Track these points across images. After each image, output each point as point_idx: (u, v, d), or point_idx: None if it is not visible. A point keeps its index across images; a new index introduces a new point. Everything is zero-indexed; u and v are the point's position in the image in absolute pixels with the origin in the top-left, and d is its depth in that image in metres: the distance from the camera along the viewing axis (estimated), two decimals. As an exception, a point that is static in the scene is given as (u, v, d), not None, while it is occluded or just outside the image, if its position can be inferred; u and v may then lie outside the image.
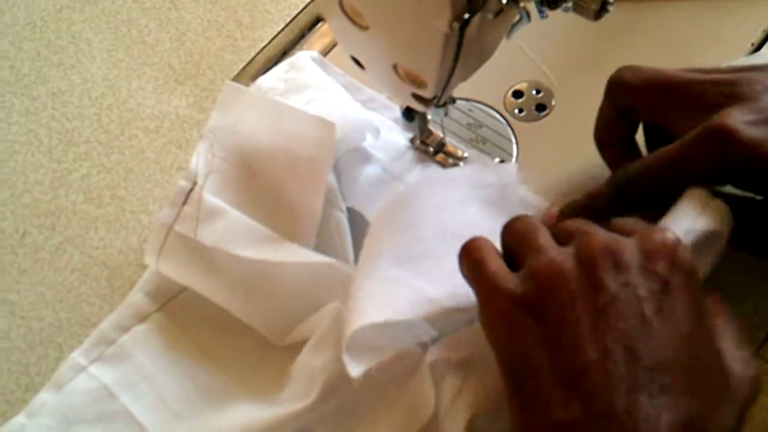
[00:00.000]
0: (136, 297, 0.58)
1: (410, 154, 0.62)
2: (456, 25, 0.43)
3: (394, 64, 0.51)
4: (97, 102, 0.69)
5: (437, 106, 0.54)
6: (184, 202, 0.57)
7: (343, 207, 0.58)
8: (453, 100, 0.55)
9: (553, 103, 0.65)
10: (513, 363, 0.43)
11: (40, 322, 0.60)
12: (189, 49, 0.71)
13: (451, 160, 0.61)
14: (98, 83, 0.70)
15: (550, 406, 0.41)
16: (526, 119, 0.65)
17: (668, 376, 0.40)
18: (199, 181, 0.57)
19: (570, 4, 0.50)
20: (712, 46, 0.65)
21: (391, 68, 0.51)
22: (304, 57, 0.65)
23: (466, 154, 0.61)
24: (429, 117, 0.60)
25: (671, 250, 0.43)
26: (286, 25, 0.71)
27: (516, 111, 0.65)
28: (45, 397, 0.55)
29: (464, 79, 0.52)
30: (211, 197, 0.56)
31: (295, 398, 0.51)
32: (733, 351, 0.44)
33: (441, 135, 0.61)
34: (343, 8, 0.49)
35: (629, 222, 0.47)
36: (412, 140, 0.62)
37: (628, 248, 0.43)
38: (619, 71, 0.55)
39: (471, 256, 0.45)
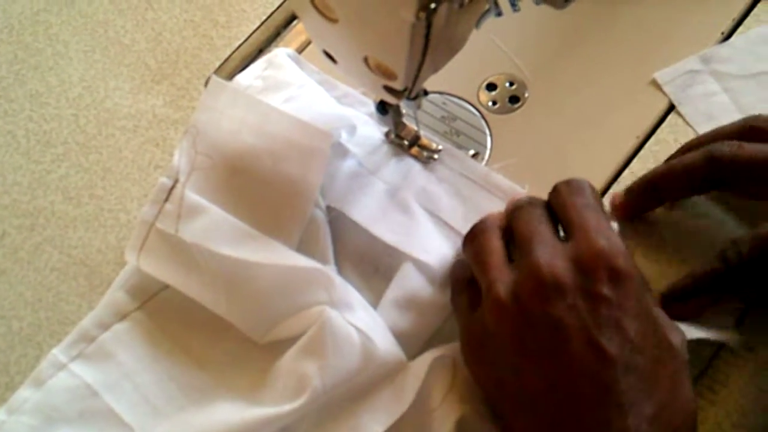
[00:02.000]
0: (117, 295, 0.58)
1: (385, 148, 0.62)
2: (422, 15, 0.43)
3: (365, 56, 0.51)
4: (74, 103, 0.69)
5: (409, 98, 0.54)
6: (166, 199, 0.57)
7: (323, 205, 0.59)
8: (425, 92, 0.55)
9: (527, 95, 0.66)
10: (485, 388, 0.49)
11: (20, 321, 0.60)
12: (165, 48, 0.72)
13: (425, 153, 0.61)
14: (75, 84, 0.70)
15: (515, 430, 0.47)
16: (500, 111, 0.65)
17: (623, 385, 0.43)
18: (181, 179, 0.57)
19: (538, -6, 0.50)
20: (683, 36, 0.66)
21: (361, 61, 0.51)
22: (281, 54, 0.66)
23: (440, 147, 0.61)
24: (403, 111, 0.61)
25: (606, 262, 0.45)
26: (262, 23, 0.72)
27: (490, 103, 0.66)
28: (25, 394, 0.55)
29: (435, 70, 0.53)
30: (192, 194, 0.57)
31: (280, 399, 0.51)
32: (667, 323, 0.47)
33: (415, 128, 0.61)
34: (313, 2, 0.49)
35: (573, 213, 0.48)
36: (387, 134, 0.62)
37: (566, 270, 0.45)
38: (717, 149, 0.53)
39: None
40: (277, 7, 0.73)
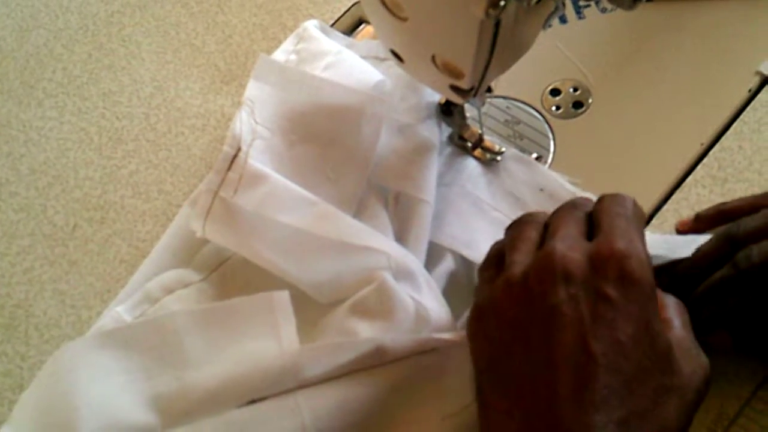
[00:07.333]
0: (182, 271, 0.60)
1: (448, 149, 0.63)
2: (492, 12, 0.44)
3: (432, 55, 0.52)
4: (145, 102, 0.71)
5: (474, 96, 0.55)
6: (229, 168, 0.58)
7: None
8: (489, 90, 0.56)
9: (590, 100, 0.66)
10: (476, 362, 0.48)
11: (89, 311, 0.61)
12: (234, 51, 0.73)
13: (488, 155, 0.62)
14: (147, 84, 0.72)
15: (498, 413, 0.46)
16: (564, 116, 0.66)
17: (600, 384, 0.43)
18: (243, 147, 0.59)
19: (605, -3, 0.50)
20: (749, 45, 0.66)
21: (429, 59, 0.52)
22: (310, 27, 0.69)
23: (503, 149, 0.62)
24: (467, 113, 0.61)
25: (619, 262, 0.44)
26: (329, 28, 0.73)
27: (553, 108, 0.66)
28: None
29: (502, 71, 0.53)
30: (254, 162, 0.58)
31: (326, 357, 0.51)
32: (683, 350, 0.46)
33: (479, 130, 0.62)
34: (383, 0, 0.50)
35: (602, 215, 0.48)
36: (450, 136, 0.63)
37: (578, 262, 0.45)
38: None
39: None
40: (344, 13, 0.74)
